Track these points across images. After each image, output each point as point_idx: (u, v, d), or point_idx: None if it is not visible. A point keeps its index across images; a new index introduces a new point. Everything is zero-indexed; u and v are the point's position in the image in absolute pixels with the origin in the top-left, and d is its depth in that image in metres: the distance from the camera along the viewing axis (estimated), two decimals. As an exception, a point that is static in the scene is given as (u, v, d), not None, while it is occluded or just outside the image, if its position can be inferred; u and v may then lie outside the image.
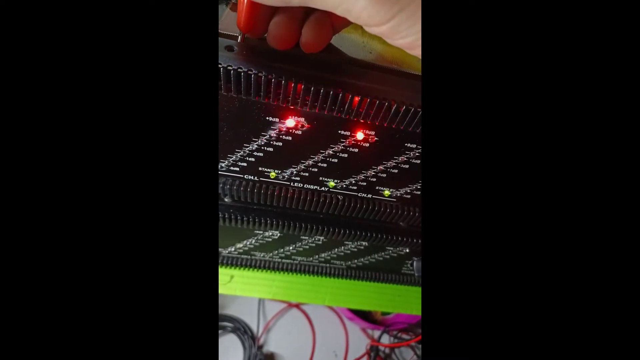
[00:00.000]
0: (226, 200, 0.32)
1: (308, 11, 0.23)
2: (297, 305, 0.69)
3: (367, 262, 0.42)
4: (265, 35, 0.22)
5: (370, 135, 0.26)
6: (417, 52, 0.19)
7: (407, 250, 0.39)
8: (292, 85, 0.22)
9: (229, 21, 0.25)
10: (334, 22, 0.23)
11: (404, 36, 0.18)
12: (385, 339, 0.66)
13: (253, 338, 0.63)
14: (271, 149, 0.27)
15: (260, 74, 0.21)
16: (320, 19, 0.23)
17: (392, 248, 0.39)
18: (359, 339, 0.68)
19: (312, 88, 0.22)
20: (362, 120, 0.24)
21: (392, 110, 0.23)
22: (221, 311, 0.65)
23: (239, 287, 0.47)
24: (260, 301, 0.67)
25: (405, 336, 0.67)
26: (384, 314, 0.71)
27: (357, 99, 0.22)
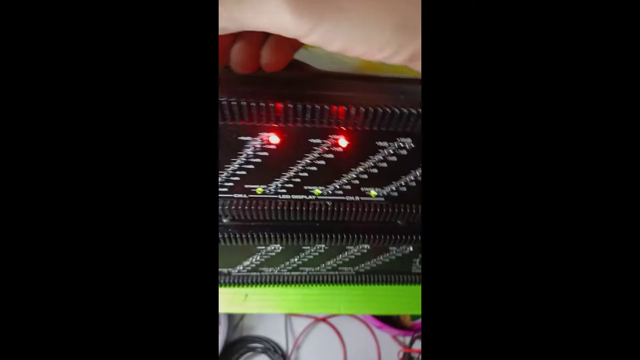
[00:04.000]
0: (224, 220, 0.33)
1: (267, 34, 0.24)
2: (324, 319, 0.69)
3: (374, 265, 0.42)
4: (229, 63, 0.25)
5: (341, 139, 0.27)
6: (353, 52, 0.19)
7: (411, 249, 0.39)
8: (264, 105, 0.23)
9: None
10: (292, 41, 0.25)
11: (333, 40, 0.18)
12: (418, 345, 0.65)
13: (284, 356, 0.64)
14: (252, 166, 0.28)
15: (231, 101, 0.23)
16: (277, 40, 0.25)
17: (395, 248, 0.39)
18: (391, 348, 0.66)
19: (282, 105, 0.23)
20: (328, 126, 0.25)
21: (360, 113, 0.24)
22: (249, 332, 0.67)
23: (255, 305, 0.48)
24: (287, 318, 0.68)
25: (437, 339, 0.65)
26: (413, 318, 0.69)
27: (333, 108, 0.24)
